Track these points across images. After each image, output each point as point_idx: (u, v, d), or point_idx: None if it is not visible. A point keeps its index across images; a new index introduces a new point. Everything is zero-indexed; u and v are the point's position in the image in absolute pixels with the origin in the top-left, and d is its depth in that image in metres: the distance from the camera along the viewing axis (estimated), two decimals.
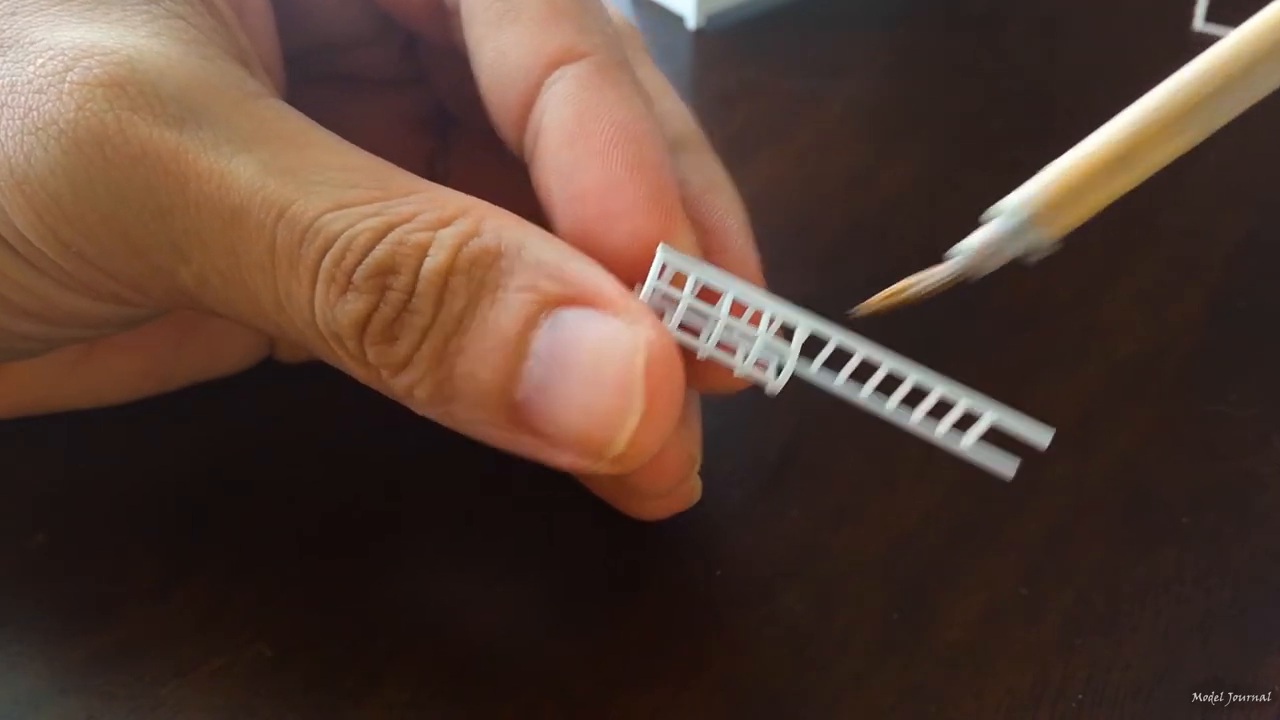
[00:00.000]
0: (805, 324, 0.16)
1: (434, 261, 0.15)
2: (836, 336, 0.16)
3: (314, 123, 0.16)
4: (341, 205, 0.15)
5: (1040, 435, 0.16)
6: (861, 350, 0.16)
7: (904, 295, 0.17)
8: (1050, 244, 0.16)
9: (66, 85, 0.14)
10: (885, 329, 0.25)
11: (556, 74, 0.17)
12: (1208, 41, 0.15)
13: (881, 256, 0.27)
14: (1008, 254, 0.16)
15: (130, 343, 0.21)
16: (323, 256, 0.15)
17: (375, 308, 0.15)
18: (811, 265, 0.27)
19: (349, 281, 0.15)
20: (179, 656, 0.18)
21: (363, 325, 0.15)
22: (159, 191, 0.15)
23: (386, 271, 0.15)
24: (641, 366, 0.15)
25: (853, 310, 0.17)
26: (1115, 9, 0.39)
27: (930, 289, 0.17)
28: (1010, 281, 0.27)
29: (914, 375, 0.16)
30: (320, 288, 0.15)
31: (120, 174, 0.15)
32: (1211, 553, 0.21)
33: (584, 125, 0.16)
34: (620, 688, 0.18)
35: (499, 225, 0.15)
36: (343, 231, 0.15)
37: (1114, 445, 0.23)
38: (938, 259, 0.17)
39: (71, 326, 0.18)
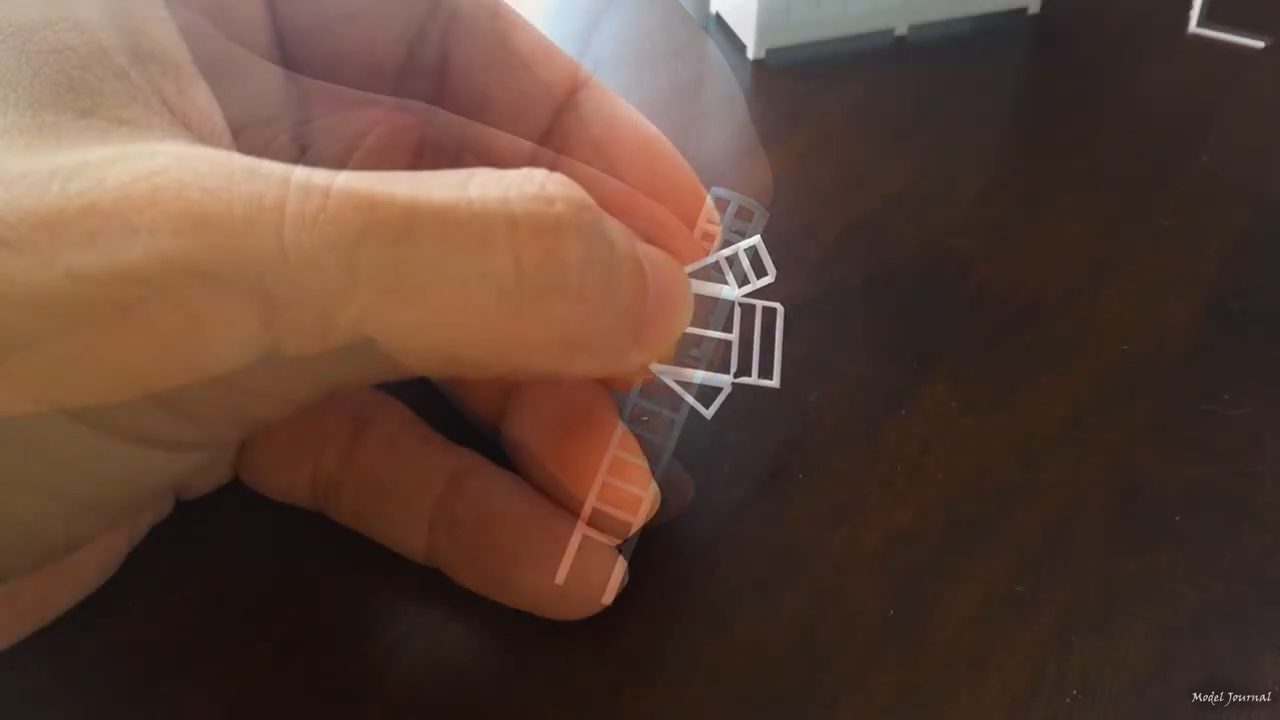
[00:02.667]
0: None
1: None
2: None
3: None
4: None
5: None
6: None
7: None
8: None
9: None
10: (882, 329, 0.26)
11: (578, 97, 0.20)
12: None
13: (881, 256, 0.28)
14: None
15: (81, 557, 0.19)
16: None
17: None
18: (811, 265, 0.27)
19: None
20: (179, 656, 0.18)
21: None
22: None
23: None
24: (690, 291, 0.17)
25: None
26: (1113, 9, 0.39)
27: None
28: (1007, 281, 0.27)
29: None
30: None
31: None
32: (1205, 551, 0.21)
33: (614, 131, 0.19)
34: (620, 687, 0.18)
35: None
36: None
37: (1108, 443, 0.23)
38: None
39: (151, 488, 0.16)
